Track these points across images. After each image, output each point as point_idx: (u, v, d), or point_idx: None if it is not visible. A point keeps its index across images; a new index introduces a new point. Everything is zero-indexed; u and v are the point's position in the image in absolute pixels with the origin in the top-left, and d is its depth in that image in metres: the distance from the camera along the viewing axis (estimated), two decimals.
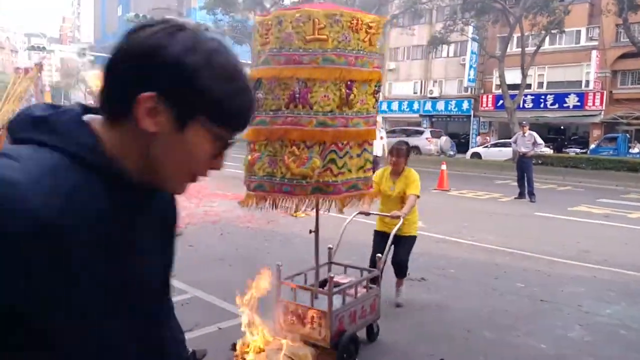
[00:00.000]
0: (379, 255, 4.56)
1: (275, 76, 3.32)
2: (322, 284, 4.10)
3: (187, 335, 4.20)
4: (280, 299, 3.94)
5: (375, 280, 4.35)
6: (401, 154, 5.04)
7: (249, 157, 3.57)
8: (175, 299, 4.67)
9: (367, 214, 4.80)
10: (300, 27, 3.26)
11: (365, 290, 4.20)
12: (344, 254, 5.08)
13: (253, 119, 2.85)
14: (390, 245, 4.72)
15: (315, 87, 3.30)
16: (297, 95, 3.30)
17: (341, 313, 3.83)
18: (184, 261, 6.52)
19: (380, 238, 5.03)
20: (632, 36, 20.06)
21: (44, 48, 37.27)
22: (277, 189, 3.50)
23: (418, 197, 4.93)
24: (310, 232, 4.09)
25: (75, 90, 73.12)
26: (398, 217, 4.70)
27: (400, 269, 5.08)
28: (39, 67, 7.69)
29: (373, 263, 4.79)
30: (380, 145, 12.93)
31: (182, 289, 5.39)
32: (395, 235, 4.73)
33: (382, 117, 14.73)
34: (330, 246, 4.57)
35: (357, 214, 4.80)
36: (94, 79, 18.30)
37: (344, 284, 4.08)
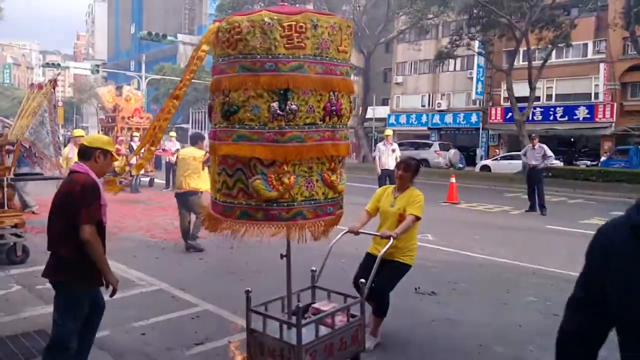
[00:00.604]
0: (362, 280, 3.96)
1: (313, 86, 3.10)
2: (304, 310, 3.73)
3: (197, 349, 4.20)
4: (251, 328, 3.58)
5: (361, 308, 3.86)
6: (409, 169, 4.62)
7: (286, 180, 3.05)
8: (185, 312, 4.73)
9: (356, 233, 4.48)
10: (334, 35, 3.16)
11: (345, 319, 3.72)
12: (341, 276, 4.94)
13: (282, 134, 3.02)
14: (376, 269, 4.11)
15: (343, 99, 3.27)
16: (333, 108, 3.18)
17: (313, 346, 3.37)
18: (195, 275, 6.59)
19: (367, 261, 4.53)
20: None
21: (58, 65, 37.88)
22: (320, 213, 3.28)
23: (419, 219, 4.40)
24: (282, 256, 3.76)
25: (87, 105, 73.98)
26: (388, 238, 4.21)
27: (377, 302, 4.41)
28: (53, 82, 7.79)
29: (357, 287, 4.31)
30: (393, 158, 12.96)
31: (193, 302, 5.43)
32: (384, 260, 4.21)
33: (392, 131, 14.90)
34: (314, 268, 4.23)
35: (345, 232, 4.44)
36: (107, 94, 18.47)
37: (324, 311, 3.68)
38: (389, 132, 14.27)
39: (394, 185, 4.79)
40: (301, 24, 3.03)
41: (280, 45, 3.00)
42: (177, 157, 8.07)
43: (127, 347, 4.35)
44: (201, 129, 56.09)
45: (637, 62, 24.22)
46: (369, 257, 4.55)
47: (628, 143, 28.41)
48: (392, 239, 4.19)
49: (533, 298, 5.96)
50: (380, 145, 13.75)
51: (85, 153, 3.34)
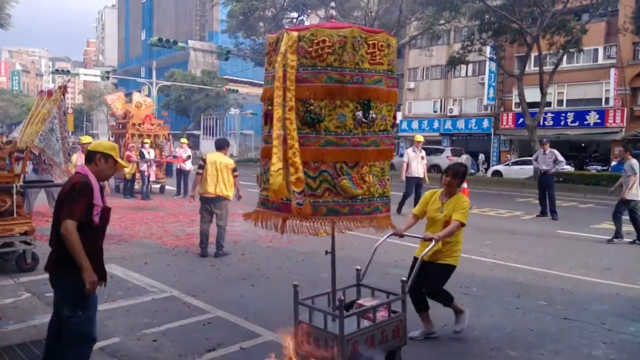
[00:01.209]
0: (403, 279, 4.12)
1: (387, 98, 3.55)
2: (349, 306, 3.97)
3: (209, 355, 4.24)
4: (298, 320, 3.86)
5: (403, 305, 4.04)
6: (457, 176, 4.72)
7: (367, 178, 3.46)
8: (197, 318, 4.79)
9: (401, 236, 4.52)
10: (393, 54, 3.60)
11: (387, 315, 3.95)
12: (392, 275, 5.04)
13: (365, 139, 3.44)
14: (418, 271, 4.33)
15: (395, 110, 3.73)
16: (395, 117, 3.74)
17: (355, 337, 3.61)
18: (206, 281, 6.62)
19: (414, 264, 4.73)
20: None
21: (68, 72, 38.14)
22: (388, 209, 3.70)
23: (463, 225, 4.57)
24: (327, 253, 3.99)
25: (97, 112, 74.59)
26: (431, 240, 4.38)
27: (435, 299, 4.79)
28: (63, 89, 7.83)
29: (411, 291, 4.50)
30: (422, 165, 12.86)
31: (204, 309, 5.46)
32: (428, 263, 4.51)
33: (423, 137, 14.46)
34: (359, 267, 4.43)
35: (390, 235, 4.41)
36: (116, 101, 18.60)
37: (366, 306, 3.89)
38: (420, 137, 13.44)
39: (440, 190, 4.86)
40: (381, 42, 3.46)
41: (366, 60, 3.39)
42: (204, 161, 8.14)
43: (138, 354, 4.37)
44: (212, 135, 56.39)
45: None
46: (416, 260, 4.68)
47: (638, 148, 28.18)
48: (434, 241, 4.37)
49: (544, 302, 5.95)
50: (409, 150, 13.13)
51: (88, 157, 3.56)
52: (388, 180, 3.64)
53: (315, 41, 3.32)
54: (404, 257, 7.90)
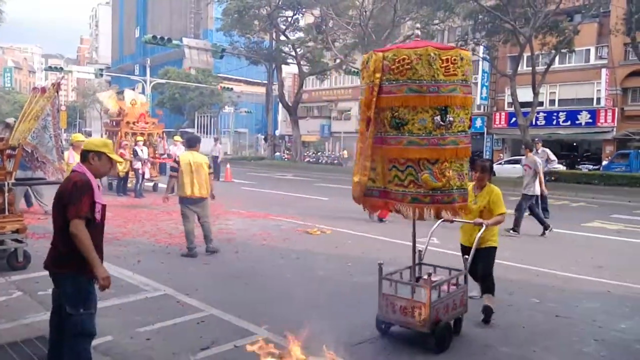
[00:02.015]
0: (466, 256, 5.06)
1: (462, 103, 4.27)
2: (418, 280, 4.82)
3: (203, 354, 4.29)
4: (383, 292, 4.63)
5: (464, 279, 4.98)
6: (485, 170, 5.42)
7: (447, 173, 4.21)
8: (190, 317, 4.84)
9: (451, 222, 5.09)
10: (467, 65, 4.31)
11: (454, 287, 4.79)
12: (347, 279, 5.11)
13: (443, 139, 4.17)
14: (473, 254, 5.06)
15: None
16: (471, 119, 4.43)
17: (437, 304, 4.43)
18: (200, 279, 6.63)
19: (464, 250, 5.47)
20: None
21: (61, 69, 37.95)
22: (465, 199, 4.43)
23: (504, 214, 5.32)
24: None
25: (90, 109, 74.24)
26: (480, 225, 5.08)
27: (486, 283, 5.36)
28: (57, 86, 7.77)
29: (472, 274, 5.32)
30: None
31: (198, 307, 5.46)
32: (476, 249, 5.12)
33: None
34: (420, 249, 5.13)
35: (441, 221, 4.97)
36: (108, 99, 18.47)
37: (437, 280, 4.63)
38: None
39: (472, 183, 5.32)
40: (454, 57, 4.20)
41: (440, 73, 4.14)
42: (178, 162, 8.05)
43: (132, 352, 4.36)
44: (206, 133, 56.21)
45: (638, 67, 24.26)
46: (463, 247, 5.54)
47: (629, 147, 28.42)
48: (483, 226, 5.08)
49: (536, 300, 6.01)
50: None
51: (82, 156, 3.62)
52: (467, 174, 4.37)
53: (397, 59, 4.19)
54: (397, 255, 7.95)
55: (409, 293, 4.63)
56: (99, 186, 3.56)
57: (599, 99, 30.62)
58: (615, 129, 29.82)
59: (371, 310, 5.45)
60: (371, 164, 4.40)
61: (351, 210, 12.83)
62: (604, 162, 27.97)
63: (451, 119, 4.16)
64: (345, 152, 42.60)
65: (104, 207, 3.57)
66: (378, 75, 4.24)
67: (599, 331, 5.04)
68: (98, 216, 3.47)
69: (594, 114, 30.31)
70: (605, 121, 29.95)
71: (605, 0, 24.15)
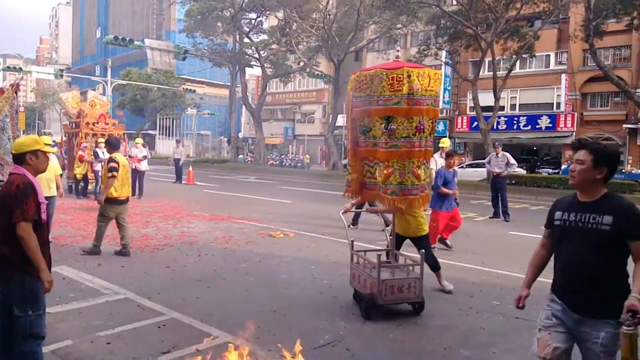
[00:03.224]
0: (423, 251, 5.83)
1: (407, 113, 5.15)
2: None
3: (164, 357, 4.22)
4: (380, 279, 5.28)
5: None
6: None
7: (385, 171, 5.26)
8: (151, 320, 4.75)
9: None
10: (423, 80, 5.14)
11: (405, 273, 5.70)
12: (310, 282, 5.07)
13: (386, 143, 5.21)
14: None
15: (427, 121, 5.29)
16: (422, 127, 5.22)
17: (389, 281, 5.40)
18: (161, 283, 6.51)
19: (399, 239, 6.24)
20: (599, 61, 20.71)
21: (20, 69, 36.82)
22: (407, 193, 5.29)
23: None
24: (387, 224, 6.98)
25: (50, 110, 72.32)
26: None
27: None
28: (15, 87, 7.56)
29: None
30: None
31: (159, 311, 5.37)
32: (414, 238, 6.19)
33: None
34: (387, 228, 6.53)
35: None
36: (72, 100, 18.03)
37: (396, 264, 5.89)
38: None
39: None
40: (399, 75, 5.07)
41: (387, 89, 5.11)
42: (117, 163, 8.08)
43: (92, 356, 4.26)
44: (168, 135, 55.45)
45: (596, 73, 25.03)
46: (398, 236, 6.14)
47: None
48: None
49: (496, 302, 6.10)
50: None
51: (18, 160, 3.55)
52: (409, 173, 5.26)
53: (359, 79, 5.43)
54: None
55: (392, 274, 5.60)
56: (59, 188, 3.52)
57: (558, 104, 31.44)
58: (574, 134, 30.64)
59: (333, 313, 5.45)
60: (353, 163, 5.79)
61: (314, 213, 12.86)
62: (563, 166, 28.66)
63: (393, 127, 5.14)
64: (307, 156, 42.49)
65: (47, 206, 3.57)
66: (351, 93, 5.53)
67: None
68: (44, 216, 3.46)
69: (554, 118, 31.11)
70: (565, 126, 30.76)
71: (565, 7, 24.86)
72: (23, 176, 3.44)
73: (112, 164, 7.89)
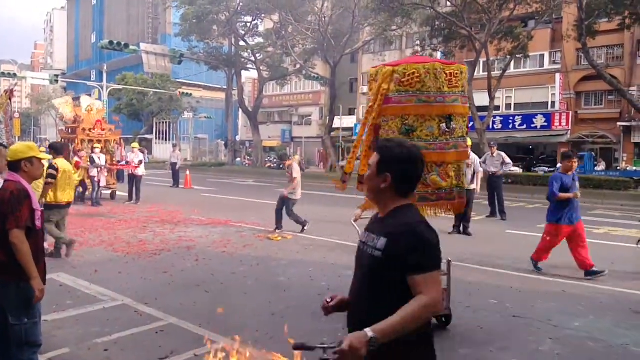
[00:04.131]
0: (449, 259, 5.35)
1: (463, 112, 4.98)
2: None
3: None
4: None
5: None
6: None
7: (450, 173, 4.84)
8: (149, 326, 4.75)
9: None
10: (460, 76, 4.88)
11: None
12: (308, 284, 5.06)
13: (447, 144, 4.80)
14: None
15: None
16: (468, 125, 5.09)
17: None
18: (159, 288, 6.51)
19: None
20: (591, 60, 20.80)
21: (14, 75, 36.74)
22: (461, 197, 4.96)
23: None
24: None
25: (46, 116, 72.17)
26: None
27: None
28: (9, 93, 7.56)
29: None
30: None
31: (157, 317, 5.36)
32: None
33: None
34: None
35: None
36: (64, 105, 18.00)
37: None
38: (469, 142, 12.12)
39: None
40: (456, 71, 4.82)
41: (445, 85, 4.74)
42: (56, 170, 8.02)
43: None
44: (165, 140, 55.31)
45: (590, 72, 25.11)
46: None
47: (583, 150, 29.42)
48: None
49: (494, 301, 6.13)
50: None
51: (13, 167, 3.53)
52: (463, 175, 5.06)
53: (407, 73, 4.72)
54: None
55: None
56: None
57: (553, 103, 31.56)
58: (569, 132, 30.77)
59: (332, 315, 5.46)
60: None
61: (312, 215, 12.84)
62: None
63: (454, 126, 4.80)
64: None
65: (42, 212, 3.56)
66: (385, 86, 4.76)
67: (554, 330, 5.18)
68: (39, 223, 3.45)
69: (548, 117, 31.20)
70: (560, 124, 30.86)
71: (558, 7, 24.96)
72: (18, 183, 3.42)
73: (51, 171, 7.82)
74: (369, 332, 1.90)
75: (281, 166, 41.90)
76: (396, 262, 2.00)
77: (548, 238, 7.49)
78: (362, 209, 5.86)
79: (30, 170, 3.55)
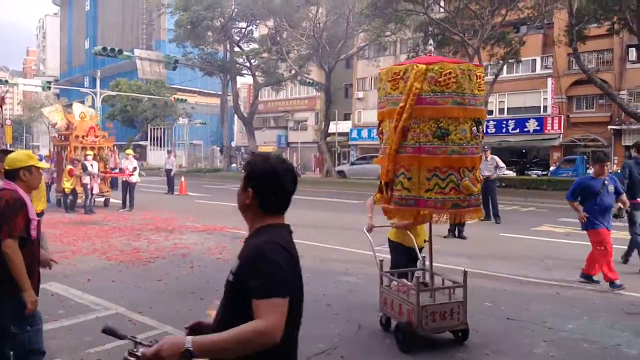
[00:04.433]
0: (466, 269, 5.18)
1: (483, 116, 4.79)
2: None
3: None
4: (420, 305, 4.64)
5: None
6: None
7: (479, 178, 4.73)
8: (143, 335, 4.68)
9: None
10: (483, 80, 4.70)
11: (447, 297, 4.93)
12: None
13: (476, 148, 4.64)
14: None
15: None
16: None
17: (429, 307, 4.73)
18: (153, 296, 6.48)
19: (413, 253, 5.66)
20: (582, 64, 20.96)
21: (6, 82, 36.60)
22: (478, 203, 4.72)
23: None
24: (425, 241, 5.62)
25: (38, 123, 71.87)
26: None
27: None
28: (1, 100, 7.51)
29: None
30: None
31: (151, 325, 5.33)
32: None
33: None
34: (424, 256, 5.48)
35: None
36: (54, 113, 17.87)
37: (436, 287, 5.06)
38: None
39: None
40: (481, 74, 4.65)
41: (476, 87, 4.53)
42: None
43: None
44: (159, 146, 55.21)
45: (581, 76, 25.30)
46: (409, 249, 5.60)
47: (575, 153, 29.60)
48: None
49: (488, 304, 6.14)
50: None
51: (11, 176, 3.44)
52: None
53: (443, 72, 4.39)
54: (355, 264, 8.01)
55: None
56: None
57: (545, 107, 31.79)
58: (561, 136, 30.98)
59: (328, 321, 5.45)
60: (407, 173, 4.52)
61: (308, 220, 12.84)
62: (552, 168, 28.97)
63: (481, 129, 4.63)
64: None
65: (38, 222, 3.50)
66: (418, 85, 4.38)
67: (549, 332, 5.19)
68: (34, 233, 3.38)
69: (541, 121, 31.41)
70: (552, 128, 31.08)
71: (549, 13, 25.15)
72: (14, 192, 3.35)
73: None
74: (187, 342, 1.73)
75: None
76: (243, 286, 1.85)
77: (600, 247, 6.93)
78: (370, 222, 5.64)
79: (29, 179, 3.48)
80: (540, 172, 29.58)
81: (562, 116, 30.98)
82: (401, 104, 4.41)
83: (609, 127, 29.29)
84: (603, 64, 30.17)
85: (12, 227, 3.23)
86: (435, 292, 4.92)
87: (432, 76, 4.39)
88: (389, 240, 5.68)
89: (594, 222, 6.93)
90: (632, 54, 28.03)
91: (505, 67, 26.55)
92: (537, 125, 31.57)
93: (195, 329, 2.12)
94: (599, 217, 6.90)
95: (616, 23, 20.90)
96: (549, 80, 31.23)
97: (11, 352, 3.46)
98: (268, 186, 1.96)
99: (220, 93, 43.03)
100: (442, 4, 25.22)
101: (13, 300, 3.29)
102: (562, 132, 30.88)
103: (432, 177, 4.42)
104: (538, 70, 32.35)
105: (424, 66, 4.42)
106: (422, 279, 5.23)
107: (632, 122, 25.71)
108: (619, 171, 26.39)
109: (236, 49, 38.46)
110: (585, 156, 28.43)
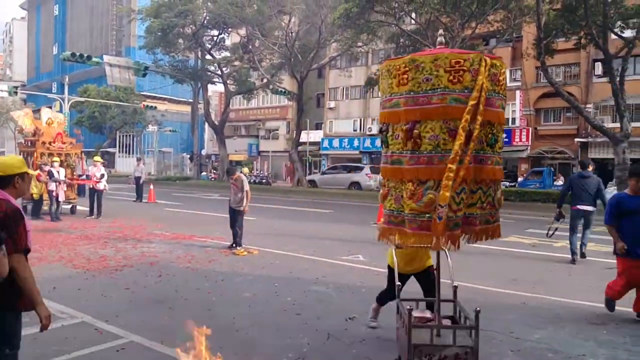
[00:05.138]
0: (478, 309, 4.14)
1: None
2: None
3: None
4: (413, 343, 3.83)
5: None
6: None
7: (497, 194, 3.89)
8: (109, 344, 4.63)
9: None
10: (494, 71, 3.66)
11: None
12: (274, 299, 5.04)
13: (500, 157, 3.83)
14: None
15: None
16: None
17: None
18: (120, 305, 6.37)
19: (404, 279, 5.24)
20: (550, 78, 21.50)
21: None
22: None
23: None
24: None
25: (4, 129, 70.07)
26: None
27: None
28: None
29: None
30: None
31: (118, 334, 5.23)
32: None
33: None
34: (456, 284, 4.81)
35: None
36: (24, 118, 17.51)
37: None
38: None
39: None
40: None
41: (504, 87, 3.80)
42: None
43: None
44: (128, 153, 54.41)
45: (549, 89, 25.93)
46: (405, 276, 5.20)
47: (542, 165, 30.25)
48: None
49: None
50: None
51: (3, 183, 3.14)
52: None
53: (502, 70, 3.68)
54: (325, 274, 8.01)
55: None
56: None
57: (514, 119, 32.42)
58: (529, 148, 31.65)
59: (297, 330, 5.43)
60: (467, 187, 3.59)
61: (279, 229, 12.83)
62: (520, 179, 29.55)
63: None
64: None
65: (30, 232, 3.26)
66: (487, 84, 3.52)
67: (516, 342, 5.27)
68: (30, 245, 3.18)
69: (509, 133, 32.03)
70: (520, 140, 31.72)
71: (518, 27, 25.76)
72: (8, 202, 3.03)
73: None
74: None
75: (248, 179, 41.69)
76: None
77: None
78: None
79: (21, 186, 3.19)
80: (508, 183, 30.11)
81: (530, 128, 31.66)
82: (471, 102, 3.44)
83: (576, 139, 30.05)
84: (570, 77, 31.02)
85: (18, 241, 2.99)
86: (442, 331, 4.15)
87: (494, 73, 3.59)
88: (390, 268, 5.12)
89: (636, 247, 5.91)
90: (598, 68, 28.86)
91: None
92: (505, 137, 32.01)
93: None
94: (629, 242, 5.91)
95: (583, 38, 21.53)
96: (517, 92, 31.91)
97: None
98: None
99: (191, 100, 42.70)
100: (413, 15, 25.59)
101: (9, 317, 3.08)
102: (529, 144, 31.54)
103: (477, 191, 3.64)
104: (507, 83, 32.99)
105: (489, 60, 3.57)
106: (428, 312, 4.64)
107: (598, 135, 26.43)
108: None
109: (208, 56, 38.27)
110: (552, 168, 29.12)
